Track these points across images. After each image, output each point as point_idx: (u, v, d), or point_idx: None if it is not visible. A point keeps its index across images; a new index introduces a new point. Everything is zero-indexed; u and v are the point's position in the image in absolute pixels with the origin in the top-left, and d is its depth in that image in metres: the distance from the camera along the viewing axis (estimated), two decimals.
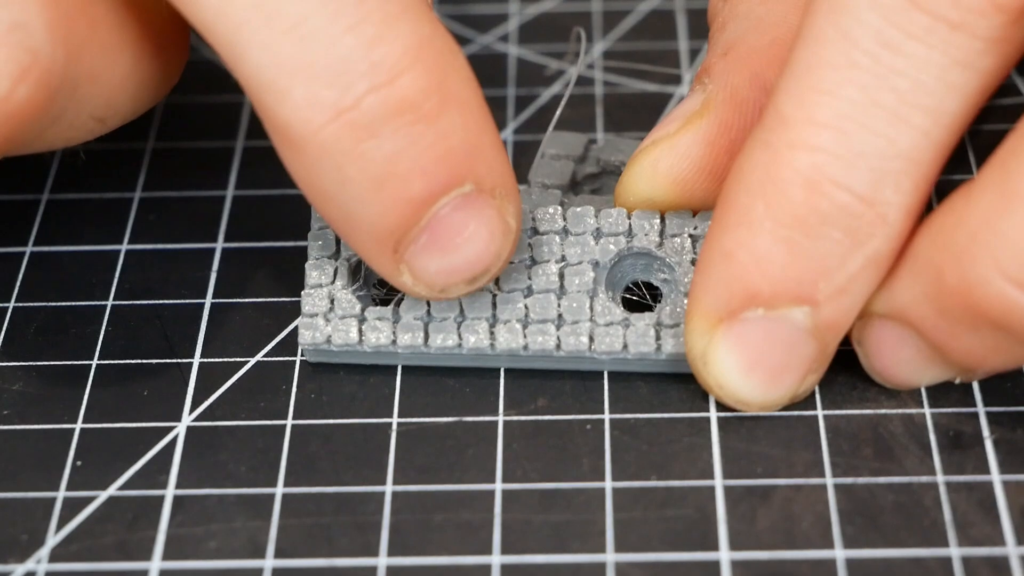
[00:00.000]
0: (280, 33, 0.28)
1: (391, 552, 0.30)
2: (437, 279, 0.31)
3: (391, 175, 0.29)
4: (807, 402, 0.32)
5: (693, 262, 0.33)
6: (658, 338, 0.32)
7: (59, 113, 0.30)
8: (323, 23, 0.28)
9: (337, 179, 0.29)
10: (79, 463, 0.32)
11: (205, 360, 0.34)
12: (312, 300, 0.33)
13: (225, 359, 0.34)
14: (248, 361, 0.34)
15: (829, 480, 0.31)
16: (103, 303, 0.36)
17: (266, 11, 0.28)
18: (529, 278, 0.33)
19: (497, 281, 0.33)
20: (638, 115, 0.41)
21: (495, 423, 0.33)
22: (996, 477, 0.31)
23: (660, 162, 0.33)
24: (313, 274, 0.34)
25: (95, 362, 0.34)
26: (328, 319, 0.33)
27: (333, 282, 0.33)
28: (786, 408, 0.32)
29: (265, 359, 0.34)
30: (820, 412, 0.32)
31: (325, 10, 0.28)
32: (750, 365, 0.31)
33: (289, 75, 0.28)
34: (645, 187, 0.33)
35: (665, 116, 0.35)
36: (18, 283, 0.36)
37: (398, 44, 0.29)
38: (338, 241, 0.34)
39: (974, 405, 0.32)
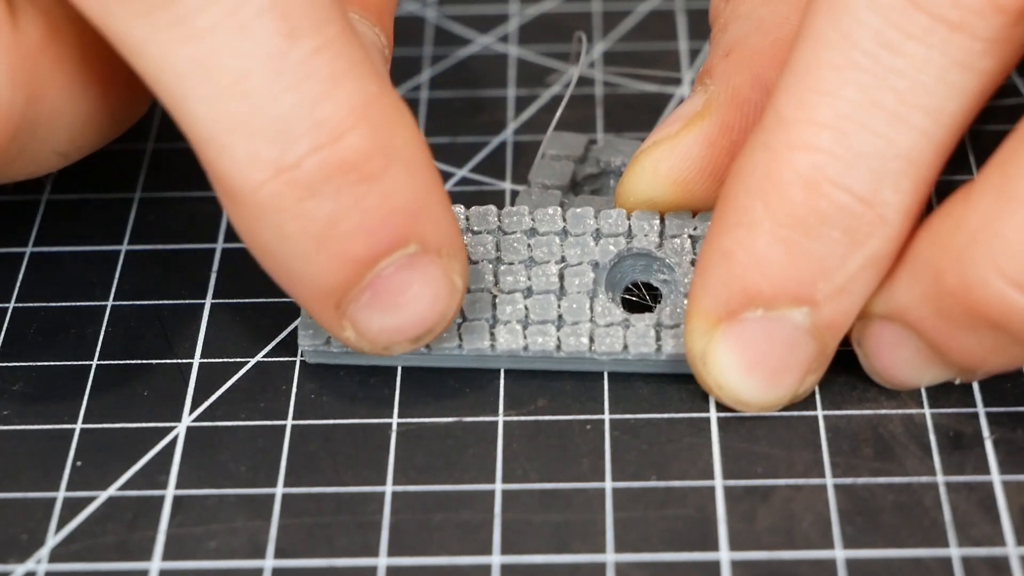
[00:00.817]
0: (221, 88, 0.28)
1: (391, 552, 0.30)
2: (380, 337, 0.31)
3: (333, 235, 0.29)
4: (807, 402, 0.32)
5: (693, 263, 0.33)
6: (658, 339, 0.32)
7: (19, 151, 0.30)
8: (265, 80, 0.28)
9: (277, 236, 0.29)
10: (79, 463, 0.32)
11: (205, 360, 0.34)
12: None
13: (225, 359, 0.34)
14: (248, 361, 0.34)
15: (829, 480, 0.31)
16: (103, 303, 0.36)
17: (207, 65, 0.28)
18: (529, 278, 0.33)
19: (497, 281, 0.33)
20: (638, 116, 0.41)
21: (495, 423, 0.33)
22: (996, 477, 0.31)
23: (661, 163, 0.33)
24: None
25: (95, 362, 0.34)
26: None
27: None
28: (786, 408, 0.32)
29: (265, 359, 0.34)
30: (820, 412, 0.32)
31: (268, 67, 0.28)
32: (750, 365, 0.31)
33: (229, 131, 0.28)
34: (646, 188, 0.33)
35: (666, 117, 0.35)
36: (18, 283, 0.36)
37: (343, 103, 0.28)
38: None
39: (974, 405, 0.32)
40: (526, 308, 0.33)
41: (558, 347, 0.33)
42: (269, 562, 0.30)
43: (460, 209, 0.34)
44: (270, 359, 0.34)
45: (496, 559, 0.30)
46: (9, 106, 0.29)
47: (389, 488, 0.31)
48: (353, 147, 0.28)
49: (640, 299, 0.34)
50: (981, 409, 0.32)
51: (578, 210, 0.34)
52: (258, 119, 0.28)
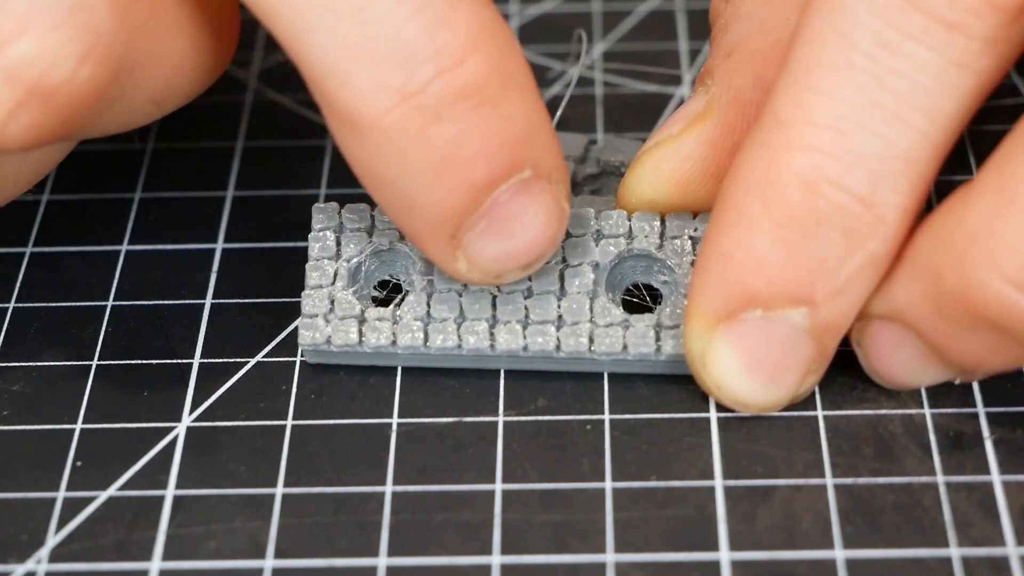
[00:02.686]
0: (344, 18, 0.28)
1: (391, 552, 0.30)
2: (493, 265, 0.31)
3: (454, 160, 0.29)
4: (807, 402, 0.32)
5: (693, 264, 0.33)
6: (658, 339, 0.32)
7: (118, 95, 0.30)
8: (387, 8, 0.28)
9: (399, 164, 0.29)
10: (79, 463, 0.32)
11: (205, 360, 0.34)
12: (312, 301, 0.33)
13: (225, 359, 0.34)
14: (248, 361, 0.34)
15: (829, 480, 0.31)
16: (103, 303, 0.36)
17: None
18: (529, 279, 0.33)
19: None
20: (638, 116, 0.41)
21: (495, 423, 0.33)
22: (996, 477, 0.31)
23: (663, 164, 0.33)
24: (313, 275, 0.34)
25: (95, 362, 0.34)
26: (328, 320, 0.33)
27: (333, 283, 0.33)
28: (786, 408, 0.32)
29: (265, 359, 0.34)
30: (820, 412, 0.32)
31: None
32: (749, 366, 0.31)
33: (353, 60, 0.28)
34: (648, 189, 0.33)
35: (667, 117, 0.35)
36: (18, 283, 0.36)
37: (461, 29, 0.29)
38: (338, 242, 0.34)
39: (974, 405, 0.32)
40: (526, 308, 0.33)
41: (558, 347, 0.33)
42: (269, 562, 0.30)
43: None
44: (270, 359, 0.34)
45: (496, 559, 0.30)
46: (112, 41, 0.29)
47: (389, 488, 0.31)
48: (473, 71, 0.29)
49: (640, 300, 0.34)
50: (981, 409, 0.32)
51: (579, 211, 0.34)
52: (382, 47, 0.28)
